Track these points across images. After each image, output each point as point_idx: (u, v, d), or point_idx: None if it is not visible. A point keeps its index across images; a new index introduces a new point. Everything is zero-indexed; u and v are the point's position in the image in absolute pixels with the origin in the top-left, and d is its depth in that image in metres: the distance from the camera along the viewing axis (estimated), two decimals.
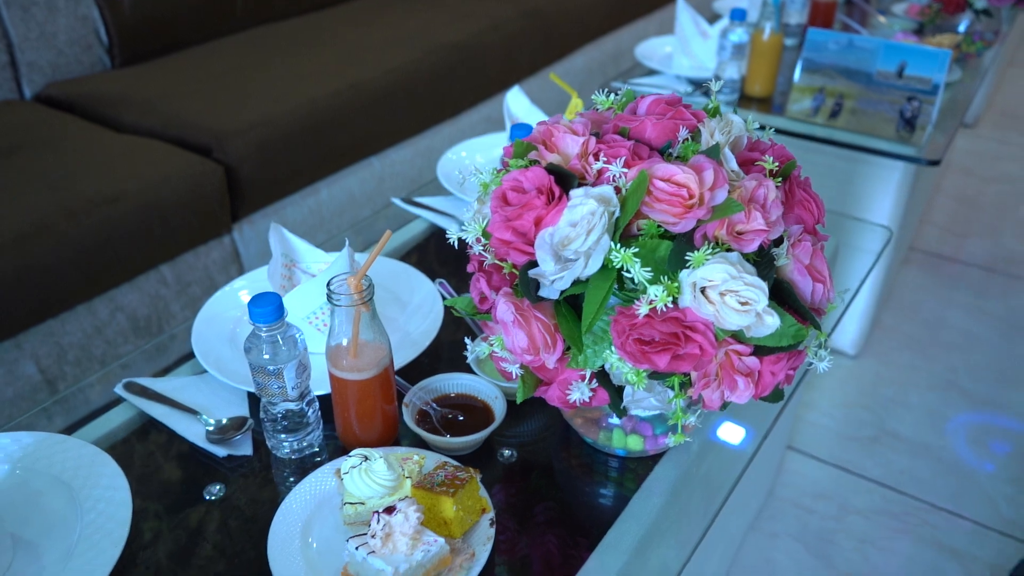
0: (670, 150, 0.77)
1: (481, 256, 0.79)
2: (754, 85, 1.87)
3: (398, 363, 1.00)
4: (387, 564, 0.70)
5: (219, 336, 1.06)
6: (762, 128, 0.84)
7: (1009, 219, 2.62)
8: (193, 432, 0.94)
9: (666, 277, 0.69)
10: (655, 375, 0.72)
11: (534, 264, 0.73)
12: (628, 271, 0.69)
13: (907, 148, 1.65)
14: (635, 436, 0.90)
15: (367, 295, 0.83)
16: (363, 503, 0.79)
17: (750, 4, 2.12)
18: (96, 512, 0.82)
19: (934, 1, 2.12)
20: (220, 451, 0.92)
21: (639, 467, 0.93)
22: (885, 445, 1.72)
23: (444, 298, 1.10)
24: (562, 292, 0.73)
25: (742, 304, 0.68)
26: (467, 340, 0.84)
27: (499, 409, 0.92)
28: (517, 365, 0.78)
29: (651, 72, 2.03)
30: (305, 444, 0.91)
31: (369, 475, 0.78)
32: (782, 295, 0.74)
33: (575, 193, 0.72)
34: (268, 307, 0.82)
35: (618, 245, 0.70)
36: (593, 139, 0.76)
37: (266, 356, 0.84)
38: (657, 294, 0.68)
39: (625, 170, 0.72)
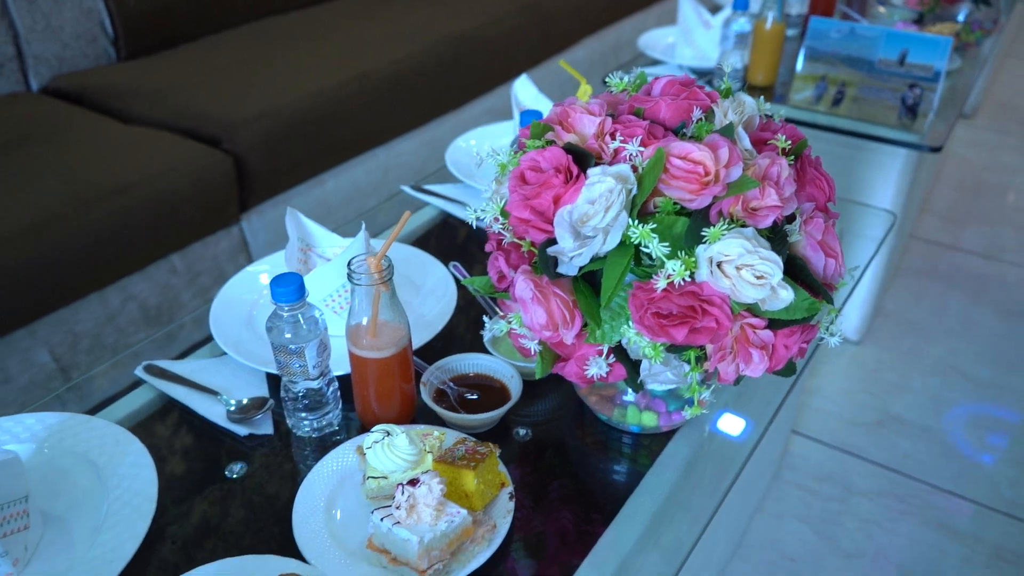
0: (684, 130, 0.78)
1: (500, 235, 0.81)
2: (756, 74, 1.88)
3: (414, 344, 1.01)
4: (412, 534, 0.72)
5: (236, 319, 1.07)
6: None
7: (1008, 208, 2.64)
8: (214, 412, 0.95)
9: (683, 252, 0.71)
10: (672, 349, 0.74)
11: (552, 242, 0.75)
12: (646, 247, 0.71)
13: (909, 135, 1.67)
14: (649, 412, 0.92)
15: (387, 275, 0.84)
16: (386, 477, 0.81)
17: None
18: (122, 488, 0.84)
19: None
20: (241, 430, 0.93)
21: (653, 443, 0.94)
22: (888, 429, 1.74)
23: (459, 280, 1.12)
24: (581, 268, 0.75)
25: (758, 278, 0.70)
26: (485, 319, 0.86)
27: (515, 388, 0.94)
28: (536, 341, 0.80)
29: (654, 62, 2.04)
30: (324, 423, 0.93)
31: (392, 450, 0.80)
32: (795, 271, 0.75)
33: (592, 172, 0.74)
34: (290, 287, 0.84)
35: (635, 222, 0.71)
36: (609, 119, 0.78)
37: (288, 335, 0.86)
38: (675, 268, 0.70)
39: (641, 149, 0.73)
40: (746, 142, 0.76)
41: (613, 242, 0.72)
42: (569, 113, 0.79)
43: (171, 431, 0.96)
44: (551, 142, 0.79)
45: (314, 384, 0.90)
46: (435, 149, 2.19)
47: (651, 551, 0.85)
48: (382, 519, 0.74)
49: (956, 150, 2.97)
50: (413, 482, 0.75)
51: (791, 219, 0.77)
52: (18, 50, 1.92)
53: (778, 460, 1.64)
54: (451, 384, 0.95)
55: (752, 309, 0.73)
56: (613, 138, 0.75)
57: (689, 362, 0.76)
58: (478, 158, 0.86)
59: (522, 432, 0.95)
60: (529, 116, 1.25)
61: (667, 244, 0.70)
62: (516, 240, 0.79)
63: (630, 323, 0.74)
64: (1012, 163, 2.93)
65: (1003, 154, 2.98)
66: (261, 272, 1.13)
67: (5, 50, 1.89)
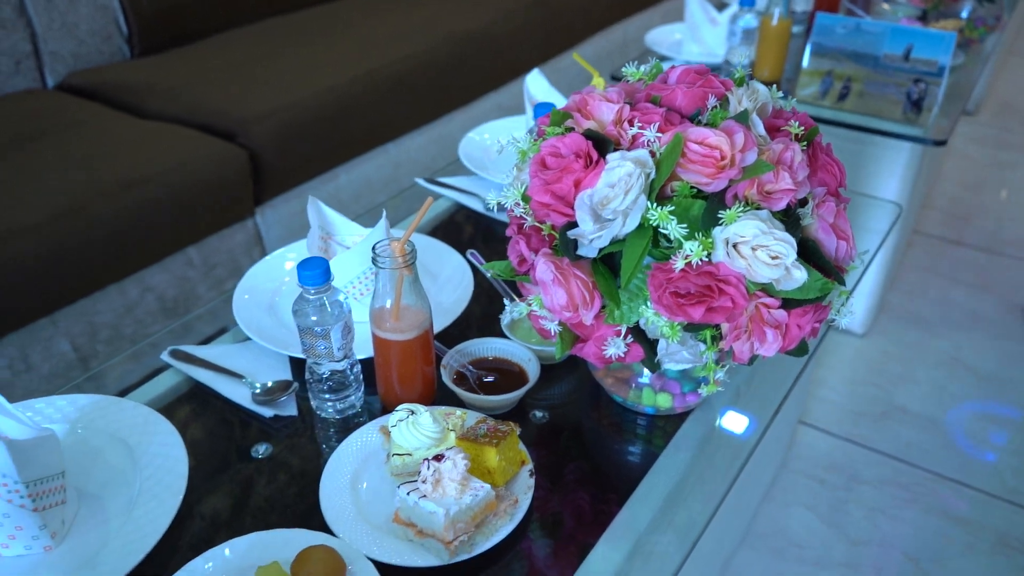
0: (700, 117, 0.81)
1: (521, 219, 0.83)
2: (763, 70, 1.91)
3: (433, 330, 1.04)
4: (438, 506, 0.75)
5: (258, 306, 1.10)
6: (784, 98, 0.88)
7: (1010, 203, 2.66)
8: (239, 395, 0.98)
9: (700, 234, 0.73)
10: (689, 327, 0.77)
11: (573, 225, 0.78)
12: (664, 229, 0.73)
13: (914, 129, 1.69)
14: (664, 394, 0.94)
15: (410, 258, 0.87)
16: (410, 454, 0.83)
17: None
18: (154, 467, 0.87)
19: None
20: (267, 412, 0.96)
21: (667, 425, 0.97)
22: (893, 419, 1.77)
23: (475, 268, 1.15)
24: (600, 250, 0.77)
25: (772, 258, 0.72)
26: (506, 302, 0.88)
27: (532, 371, 0.97)
28: (555, 322, 0.82)
29: (661, 59, 2.07)
30: (347, 404, 0.95)
31: (416, 427, 0.83)
32: (808, 253, 0.78)
33: (612, 157, 0.76)
34: (316, 270, 0.86)
35: (654, 204, 0.74)
36: (627, 107, 0.80)
37: (313, 318, 0.88)
38: (692, 249, 0.72)
39: (659, 135, 0.76)
40: (760, 128, 0.79)
41: (632, 224, 0.75)
42: (588, 101, 0.82)
43: (196, 413, 0.98)
44: (570, 129, 0.82)
45: (338, 366, 0.92)
46: (444, 145, 2.21)
47: (665, 530, 0.87)
48: (408, 493, 0.77)
49: (959, 147, 3.00)
50: (438, 457, 0.78)
51: (804, 203, 0.79)
52: (35, 47, 1.95)
53: (785, 450, 1.67)
54: (470, 367, 0.98)
55: (767, 289, 0.75)
56: (631, 125, 0.78)
57: (705, 341, 0.79)
58: (498, 145, 0.88)
59: (539, 414, 0.98)
60: (543, 108, 1.27)
61: (685, 226, 0.73)
62: (537, 224, 0.82)
63: (648, 303, 0.77)
64: (1015, 160, 2.95)
65: (1006, 151, 3.01)
66: (286, 259, 1.16)
67: (22, 47, 1.91)
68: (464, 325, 1.10)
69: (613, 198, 0.74)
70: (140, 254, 1.57)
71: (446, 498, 0.76)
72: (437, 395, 0.98)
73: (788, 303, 0.77)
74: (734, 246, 0.73)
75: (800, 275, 0.74)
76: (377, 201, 2.06)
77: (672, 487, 0.91)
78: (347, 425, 0.95)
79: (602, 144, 0.78)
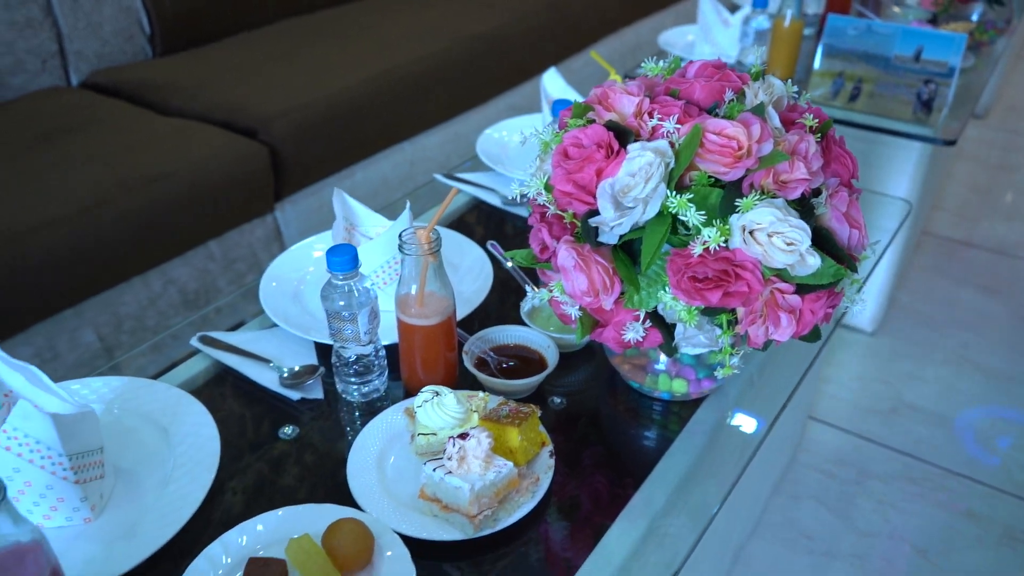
0: (717, 110, 0.84)
1: (543, 208, 0.86)
2: (775, 71, 1.93)
3: None
4: (463, 482, 0.78)
5: (284, 294, 1.13)
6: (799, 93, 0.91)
7: (1020, 205, 2.68)
8: (266, 378, 1.01)
9: (718, 221, 0.76)
10: (706, 312, 0.79)
11: (594, 213, 0.81)
12: (683, 216, 0.76)
13: (924, 129, 1.72)
14: (680, 380, 0.97)
15: (435, 246, 0.90)
16: (435, 434, 0.86)
17: None
18: (187, 445, 0.90)
19: None
20: (294, 394, 0.99)
21: (682, 410, 1.00)
22: (903, 416, 1.79)
23: (494, 259, 1.18)
24: (621, 237, 0.80)
25: (787, 244, 0.75)
26: (528, 289, 0.91)
27: (551, 357, 1.00)
28: (576, 307, 0.85)
29: None
30: (372, 388, 0.99)
31: (441, 408, 0.86)
32: (821, 241, 0.81)
33: (632, 147, 0.79)
34: (345, 256, 0.90)
35: (673, 193, 0.77)
36: (647, 100, 0.83)
37: (341, 303, 0.91)
38: (710, 235, 0.75)
39: (678, 126, 0.79)
40: (776, 121, 0.81)
41: (652, 211, 0.77)
42: (609, 94, 0.85)
43: (225, 396, 1.01)
44: (592, 121, 0.85)
45: (364, 350, 0.95)
46: (459, 144, 2.25)
47: (679, 512, 0.90)
48: (434, 469, 0.80)
49: (969, 149, 3.02)
50: (463, 436, 0.81)
51: (817, 193, 0.82)
52: (60, 47, 1.99)
53: (795, 444, 1.69)
54: (491, 353, 1.01)
55: (781, 275, 0.78)
56: (651, 116, 0.81)
57: (721, 326, 0.81)
58: (521, 137, 0.91)
59: (557, 400, 1.00)
60: (560, 104, 1.30)
61: (703, 213, 0.76)
62: (559, 212, 0.85)
63: (667, 288, 0.80)
64: (1023, 162, 2.97)
65: (1015, 154, 3.02)
66: (312, 249, 1.20)
67: (49, 46, 1.96)
68: (483, 315, 1.13)
69: (634, 186, 0.77)
70: (163, 247, 1.61)
71: (471, 474, 0.79)
72: (459, 380, 1.01)
73: (802, 289, 0.79)
74: (750, 233, 0.76)
75: (814, 261, 0.77)
76: (393, 198, 2.10)
77: (686, 471, 0.94)
78: (371, 408, 0.98)
79: (623, 135, 0.81)
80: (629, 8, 2.87)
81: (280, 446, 0.94)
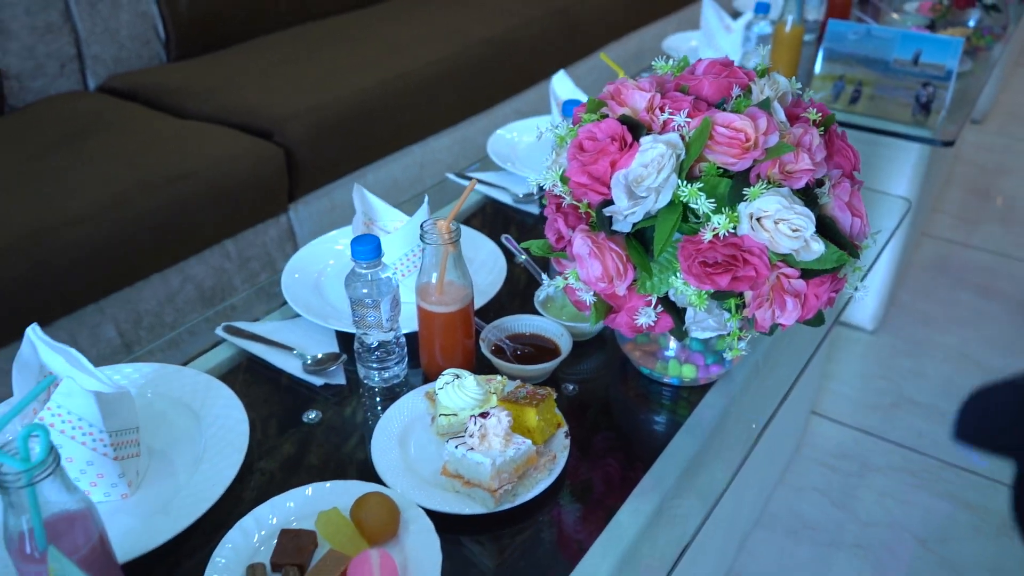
0: (725, 105, 0.88)
1: (559, 198, 0.90)
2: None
3: None
4: (485, 457, 0.81)
5: (305, 286, 1.17)
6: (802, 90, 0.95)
7: (1018, 208, 2.73)
8: (290, 365, 1.05)
9: (727, 209, 0.80)
10: (715, 296, 0.83)
11: (608, 203, 0.85)
12: (694, 204, 0.80)
13: (923, 131, 1.76)
14: (689, 365, 1.01)
15: (455, 236, 0.94)
16: (456, 414, 0.90)
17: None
18: (217, 427, 0.94)
19: None
20: (317, 380, 1.03)
21: (691, 396, 1.04)
22: (903, 411, 1.82)
23: (512, 250, 1.22)
24: (634, 225, 0.84)
25: (793, 231, 0.79)
26: (544, 277, 0.95)
27: (565, 345, 1.04)
28: (591, 293, 0.89)
29: None
30: (392, 374, 1.02)
31: (461, 389, 0.90)
32: (825, 229, 0.85)
33: (645, 140, 0.83)
34: (369, 246, 0.94)
35: (684, 182, 0.81)
36: (658, 95, 0.87)
37: (364, 291, 0.95)
38: (720, 222, 0.79)
39: (689, 120, 0.83)
40: (781, 115, 0.86)
41: (664, 200, 0.82)
42: (622, 90, 0.89)
43: (250, 383, 1.05)
44: (605, 115, 0.89)
45: (386, 336, 0.99)
46: (467, 147, 2.29)
47: (688, 494, 0.93)
48: (457, 447, 0.84)
49: (968, 154, 3.06)
50: (484, 415, 0.85)
51: (821, 183, 0.86)
52: (78, 51, 2.04)
53: (798, 437, 1.73)
54: (507, 341, 1.05)
55: (787, 260, 0.82)
56: (662, 111, 0.85)
57: (730, 310, 0.85)
58: (538, 132, 0.96)
59: (571, 387, 1.04)
60: (571, 104, 1.35)
61: (712, 201, 0.80)
62: (575, 202, 0.89)
63: (678, 274, 0.84)
64: (1022, 165, 3.02)
65: (1013, 158, 3.07)
66: (331, 243, 1.24)
67: (67, 51, 2.00)
68: (498, 306, 1.17)
69: (647, 176, 0.81)
70: (181, 246, 1.65)
71: (492, 451, 0.83)
72: (476, 367, 1.05)
73: (807, 274, 0.83)
74: (758, 220, 0.80)
75: (818, 247, 0.81)
76: (403, 199, 2.14)
77: (694, 454, 0.97)
78: (391, 394, 1.02)
79: (636, 128, 0.85)
80: (633, 15, 2.93)
81: (304, 430, 0.98)
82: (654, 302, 0.87)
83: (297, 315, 1.13)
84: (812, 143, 0.84)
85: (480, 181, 1.49)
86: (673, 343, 1.01)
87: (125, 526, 0.82)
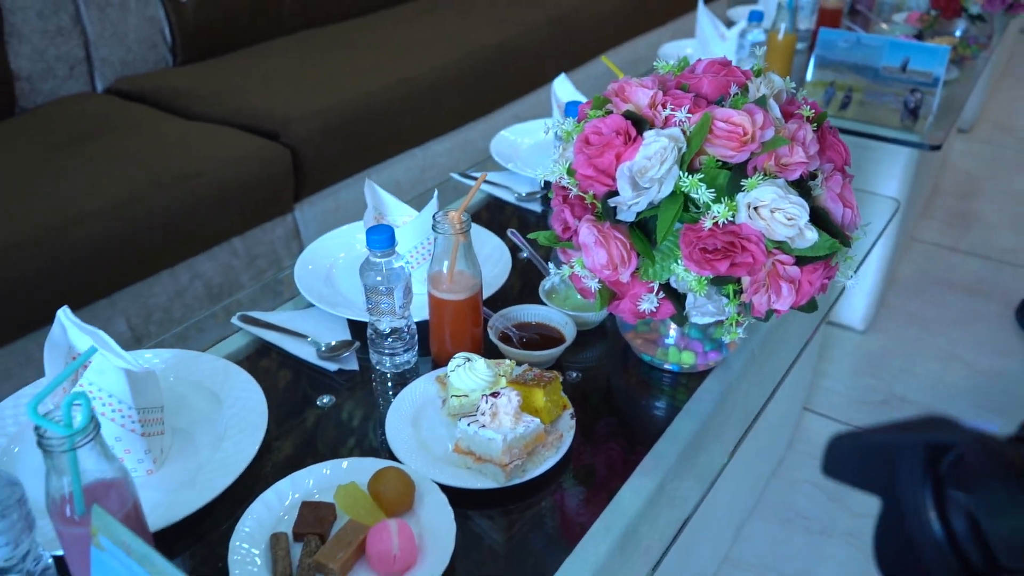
0: (723, 102, 0.93)
1: (566, 190, 0.95)
2: None
3: None
4: (497, 433, 0.86)
5: (316, 278, 1.22)
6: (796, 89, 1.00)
7: (1005, 214, 2.79)
8: (305, 352, 1.09)
9: (726, 198, 0.85)
10: (714, 281, 0.88)
11: (613, 194, 0.89)
12: (695, 194, 0.85)
13: (911, 135, 1.82)
14: (688, 352, 1.05)
15: (465, 226, 0.98)
16: (467, 395, 0.94)
17: (764, 8, 2.29)
18: (237, 408, 0.97)
19: (932, 7, 2.30)
20: (331, 366, 1.07)
21: (690, 381, 1.08)
22: (893, 407, 1.87)
23: (517, 243, 1.26)
24: (638, 215, 0.89)
25: (788, 219, 0.84)
26: (551, 266, 0.99)
27: (569, 333, 1.08)
28: (595, 281, 0.94)
29: None
30: (404, 360, 1.07)
31: (472, 371, 0.94)
32: (818, 219, 0.89)
33: (648, 134, 0.88)
34: (383, 235, 0.98)
35: (685, 174, 0.86)
36: (660, 92, 0.92)
37: (378, 278, 0.99)
38: (719, 211, 0.84)
39: (689, 115, 0.88)
40: (777, 111, 0.91)
41: (667, 190, 0.86)
42: (625, 88, 0.94)
43: (265, 369, 1.09)
44: (610, 112, 0.94)
45: (399, 323, 1.03)
46: (467, 151, 2.34)
47: (687, 475, 0.98)
48: (469, 424, 0.88)
49: (957, 162, 3.13)
50: (495, 394, 0.89)
51: (814, 176, 0.91)
52: (87, 54, 2.08)
53: (791, 432, 1.77)
54: (513, 329, 1.09)
55: (782, 247, 0.87)
56: (664, 107, 0.90)
57: (728, 295, 0.90)
58: (545, 128, 1.00)
59: (574, 374, 1.09)
60: (573, 105, 1.40)
61: (712, 191, 0.84)
62: (581, 194, 0.93)
63: (679, 261, 0.88)
64: (1009, 173, 3.09)
65: (1000, 166, 3.14)
66: (341, 238, 1.28)
67: (77, 53, 2.04)
68: (503, 299, 1.21)
69: (650, 168, 0.86)
70: (191, 243, 1.69)
71: (502, 428, 0.87)
72: (483, 354, 1.08)
73: (801, 261, 0.88)
74: (755, 209, 0.85)
75: (812, 235, 0.85)
76: (405, 200, 2.18)
77: (693, 436, 1.02)
78: (402, 379, 1.06)
79: (639, 123, 0.90)
80: (629, 24, 2.99)
81: (319, 413, 1.02)
82: (656, 289, 0.92)
83: (308, 307, 1.17)
84: (806, 138, 0.89)
85: (485, 180, 1.53)
86: (673, 331, 1.06)
87: (151, 500, 0.86)
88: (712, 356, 1.06)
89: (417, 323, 1.09)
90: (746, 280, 0.88)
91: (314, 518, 0.82)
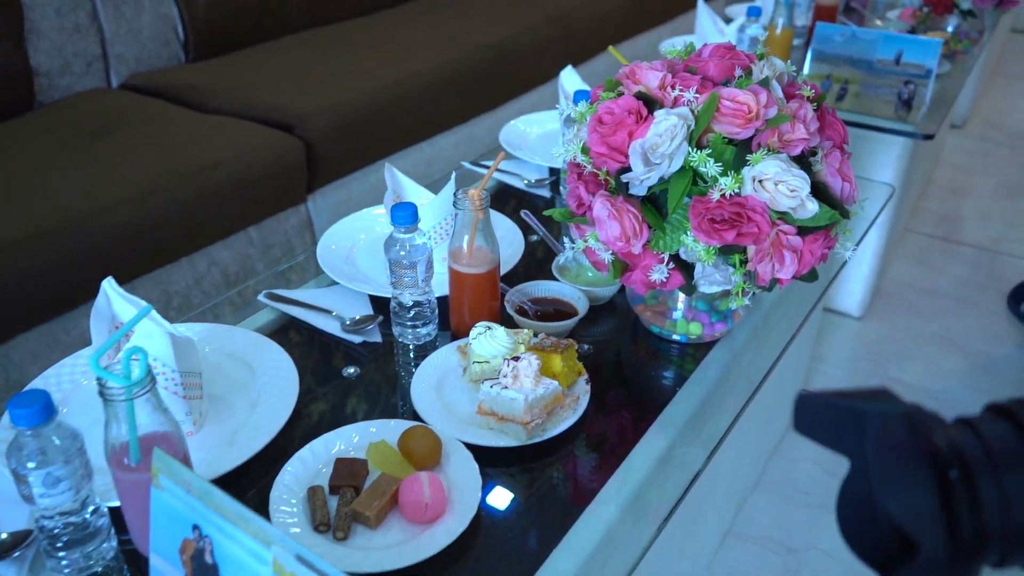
0: (728, 84, 0.98)
1: (580, 167, 1.01)
2: None
3: None
4: (518, 393, 0.91)
5: (338, 257, 1.27)
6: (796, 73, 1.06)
7: (997, 207, 2.86)
8: (330, 326, 1.14)
9: (732, 172, 0.91)
10: (722, 251, 0.94)
11: (626, 170, 0.95)
12: (703, 168, 0.91)
13: (905, 125, 1.88)
14: (695, 323, 1.11)
15: (484, 203, 1.04)
16: (488, 361, 0.99)
17: (762, 4, 2.35)
18: (269, 375, 1.03)
19: (924, 3, 2.36)
20: (356, 339, 1.12)
21: (697, 352, 1.14)
22: None
23: (531, 224, 1.32)
24: (649, 189, 0.94)
25: (791, 191, 0.90)
26: (566, 240, 1.05)
27: (582, 306, 1.13)
28: (609, 253, 0.99)
29: None
30: (425, 332, 1.12)
31: (493, 339, 0.99)
32: (818, 193, 0.95)
33: (658, 113, 0.94)
34: (407, 211, 1.04)
35: (694, 149, 0.91)
36: (669, 75, 0.98)
37: (402, 253, 1.05)
38: (727, 183, 0.89)
39: (697, 95, 0.94)
40: (779, 91, 0.96)
41: (676, 165, 0.92)
42: (636, 71, 1.00)
43: (292, 342, 1.14)
44: (621, 93, 0.99)
45: (421, 296, 1.09)
46: (472, 145, 2.40)
47: (693, 441, 1.03)
48: (492, 386, 0.93)
49: (950, 157, 3.20)
50: (516, 358, 0.94)
51: (814, 152, 0.97)
52: (103, 50, 2.13)
53: (791, 413, 1.83)
54: (528, 303, 1.15)
55: (785, 218, 0.92)
56: (673, 88, 0.95)
57: (735, 265, 0.96)
58: (560, 111, 1.06)
59: (586, 347, 1.14)
60: (581, 94, 1.45)
61: (720, 165, 0.90)
62: (594, 171, 0.99)
63: (688, 233, 0.94)
64: (1000, 167, 3.15)
65: (991, 160, 3.21)
66: (361, 220, 1.34)
67: (93, 50, 2.10)
68: (516, 278, 1.27)
69: (661, 144, 0.91)
70: (209, 231, 1.74)
71: (524, 389, 0.92)
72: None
73: (803, 231, 0.94)
74: (759, 182, 0.90)
75: (813, 206, 0.91)
76: None
77: (700, 403, 1.07)
78: (423, 351, 1.11)
79: (650, 103, 0.95)
80: (629, 22, 3.05)
81: (346, 383, 1.07)
82: (666, 259, 0.97)
83: (329, 286, 1.22)
84: (806, 116, 0.94)
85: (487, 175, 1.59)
86: (681, 303, 1.11)
87: (192, 459, 0.91)
88: (718, 327, 1.12)
89: (438, 297, 1.15)
90: (751, 249, 0.94)
91: (348, 472, 0.87)
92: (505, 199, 1.53)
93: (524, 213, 1.33)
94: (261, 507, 0.85)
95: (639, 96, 0.96)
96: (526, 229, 1.35)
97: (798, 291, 1.26)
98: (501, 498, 0.91)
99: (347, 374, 1.08)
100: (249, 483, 0.92)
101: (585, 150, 0.99)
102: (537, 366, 0.94)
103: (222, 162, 1.76)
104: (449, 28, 2.59)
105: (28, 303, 1.48)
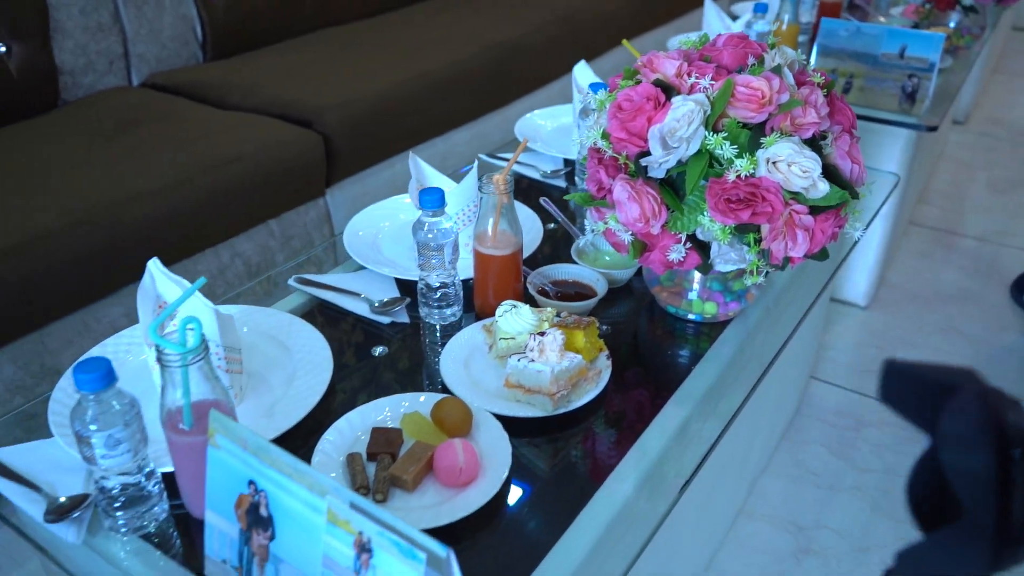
0: (742, 72, 1.03)
1: (600, 152, 1.05)
2: None
3: None
4: (545, 366, 0.96)
5: (364, 244, 1.32)
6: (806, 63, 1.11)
7: (999, 199, 2.90)
8: (359, 308, 1.19)
9: (747, 154, 0.96)
10: (737, 230, 0.98)
11: (644, 154, 1.00)
12: (719, 151, 0.95)
13: (909, 118, 1.93)
14: (711, 303, 1.16)
15: (508, 187, 1.09)
16: (513, 338, 1.04)
17: (769, 1, 2.40)
18: (304, 352, 1.08)
19: (926, 0, 2.41)
20: (384, 319, 1.17)
21: (712, 331, 1.18)
22: None
23: (550, 211, 1.37)
24: (668, 171, 0.99)
25: (803, 172, 0.94)
26: (587, 221, 1.10)
27: (601, 288, 1.18)
28: (628, 234, 1.04)
29: None
30: (451, 313, 1.17)
31: (518, 316, 1.04)
32: (829, 175, 1.00)
33: (676, 99, 0.98)
34: (434, 196, 1.08)
35: (711, 133, 0.96)
36: (685, 63, 1.03)
37: (430, 236, 1.10)
38: (742, 164, 0.94)
39: (712, 82, 0.98)
40: (790, 78, 1.01)
41: (694, 148, 0.97)
42: (654, 60, 1.05)
43: (321, 324, 1.19)
44: (639, 81, 1.04)
45: (447, 278, 1.14)
46: (485, 141, 2.45)
47: (709, 415, 1.08)
48: (519, 360, 0.98)
49: (953, 153, 3.24)
50: (541, 333, 0.99)
51: (824, 136, 1.02)
52: (125, 49, 2.18)
53: (799, 398, 1.88)
54: (550, 284, 1.20)
55: (798, 198, 0.97)
56: (690, 76, 1.00)
57: (749, 244, 1.00)
58: (581, 100, 1.11)
59: (605, 327, 1.19)
60: (596, 87, 1.50)
61: (735, 147, 0.95)
62: (615, 155, 1.04)
63: (705, 213, 0.98)
64: (1002, 162, 3.20)
65: (993, 155, 3.25)
66: (384, 209, 1.39)
67: (115, 49, 2.15)
68: (535, 263, 1.32)
69: (679, 128, 0.96)
70: (232, 223, 1.79)
71: (549, 362, 0.97)
72: None
73: (814, 210, 0.98)
74: (773, 163, 0.95)
75: (824, 186, 0.96)
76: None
77: (714, 379, 1.12)
78: (449, 331, 1.16)
79: (667, 90, 1.00)
80: (636, 21, 3.10)
81: (376, 361, 1.12)
82: (684, 240, 1.02)
83: (356, 270, 1.27)
84: (817, 101, 0.99)
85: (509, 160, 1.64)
86: (696, 283, 1.16)
87: None
88: (732, 306, 1.17)
89: (464, 280, 1.19)
90: (765, 228, 0.99)
91: (384, 440, 0.92)
92: (522, 189, 1.58)
93: (543, 200, 1.38)
94: None
95: (657, 83, 1.01)
96: (544, 218, 1.40)
97: (808, 274, 1.31)
98: (527, 467, 0.95)
99: (376, 353, 1.13)
100: (289, 450, 0.96)
101: (605, 136, 1.04)
102: (562, 340, 0.99)
103: (243, 156, 1.81)
104: (460, 27, 2.64)
105: (64, 290, 1.53)
